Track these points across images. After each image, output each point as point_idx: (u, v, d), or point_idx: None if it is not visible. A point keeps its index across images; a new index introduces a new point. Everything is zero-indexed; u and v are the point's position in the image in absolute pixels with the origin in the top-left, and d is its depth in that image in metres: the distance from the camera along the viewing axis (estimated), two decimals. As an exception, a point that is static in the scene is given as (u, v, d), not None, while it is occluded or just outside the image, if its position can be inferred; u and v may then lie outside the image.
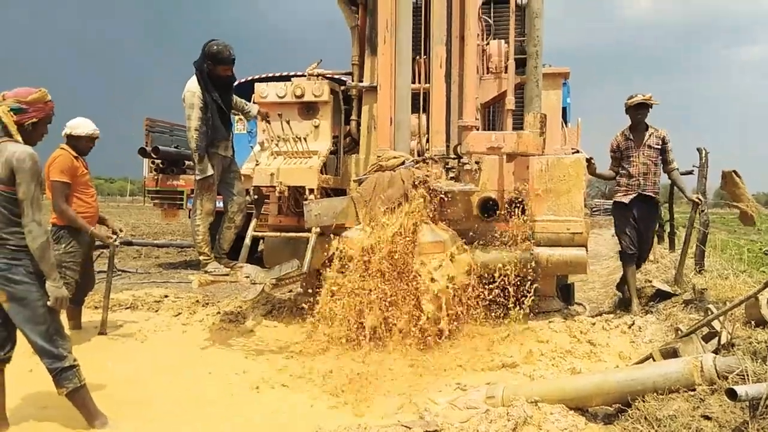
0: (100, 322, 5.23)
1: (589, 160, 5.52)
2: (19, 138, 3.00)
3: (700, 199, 5.91)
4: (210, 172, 4.73)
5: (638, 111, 5.68)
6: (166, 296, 6.65)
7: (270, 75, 8.94)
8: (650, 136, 5.68)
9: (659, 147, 5.67)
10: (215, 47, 4.62)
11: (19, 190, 2.92)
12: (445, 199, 4.96)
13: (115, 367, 4.34)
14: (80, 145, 4.88)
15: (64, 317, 4.69)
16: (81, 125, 4.87)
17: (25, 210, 2.94)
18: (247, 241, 5.21)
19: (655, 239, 6.23)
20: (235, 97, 5.09)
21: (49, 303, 3.03)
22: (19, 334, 3.16)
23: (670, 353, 3.37)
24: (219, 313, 5.81)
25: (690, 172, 6.42)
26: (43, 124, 3.16)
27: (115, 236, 5.07)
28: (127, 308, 6.18)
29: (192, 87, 4.68)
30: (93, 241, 5.13)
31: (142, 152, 9.78)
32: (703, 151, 6.10)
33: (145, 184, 10.55)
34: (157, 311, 6.06)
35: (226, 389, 3.91)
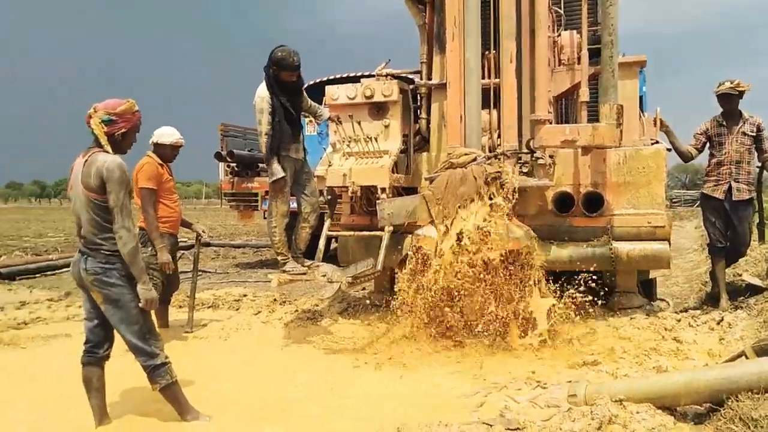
0: (186, 320, 5.48)
1: (662, 121, 5.38)
2: (109, 148, 3.16)
3: (791, 188, 5.58)
4: (281, 174, 4.85)
5: (727, 99, 5.43)
6: (245, 295, 6.89)
7: (339, 76, 9.09)
8: (744, 123, 5.41)
9: (754, 134, 5.40)
10: (280, 53, 4.72)
11: (109, 198, 3.07)
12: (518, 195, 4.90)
13: (201, 364, 4.54)
14: (165, 152, 5.14)
15: (152, 317, 4.97)
16: (166, 134, 5.13)
17: (115, 217, 3.08)
18: (322, 240, 5.32)
19: (755, 232, 5.87)
20: (308, 100, 5.21)
21: (140, 304, 3.19)
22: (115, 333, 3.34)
23: (765, 350, 3.20)
24: (297, 311, 5.97)
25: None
26: (131, 134, 3.31)
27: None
28: (209, 307, 6.45)
29: (261, 92, 4.82)
30: (177, 243, 5.40)
31: (218, 156, 10.15)
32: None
33: (221, 187, 10.94)
34: (237, 309, 6.29)
35: (305, 386, 4.00)
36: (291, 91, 4.88)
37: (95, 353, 3.33)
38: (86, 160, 3.13)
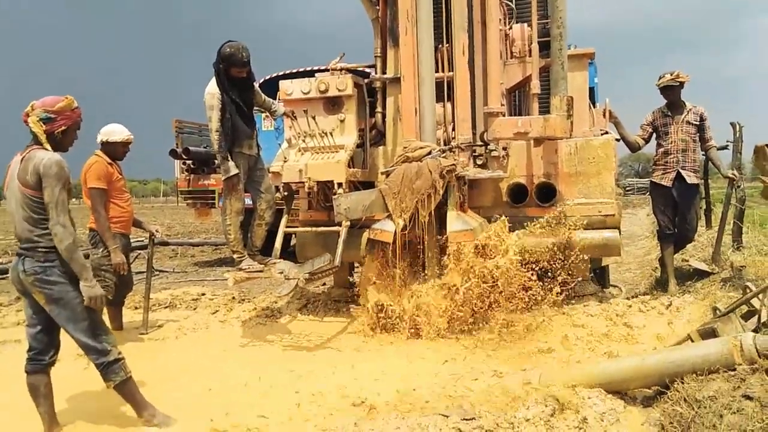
0: (141, 322, 5.38)
1: (610, 112, 5.52)
2: (48, 147, 3.08)
3: (735, 175, 5.79)
4: (234, 171, 4.79)
5: (669, 91, 5.62)
6: (203, 294, 6.79)
7: (294, 71, 9.01)
8: (688, 112, 5.61)
9: (697, 123, 5.59)
10: (228, 49, 4.65)
11: (44, 193, 3.00)
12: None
13: (157, 365, 4.46)
14: (116, 150, 5.02)
15: (105, 318, 4.85)
16: (115, 131, 4.99)
17: (50, 213, 3.00)
18: (279, 237, 5.28)
19: (702, 218, 6.06)
20: (262, 95, 5.15)
21: (85, 303, 3.10)
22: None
23: (709, 333, 3.32)
24: (255, 309, 5.91)
25: (725, 147, 6.28)
26: (72, 131, 3.23)
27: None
28: (166, 307, 6.33)
29: (211, 89, 4.75)
30: (129, 243, 5.27)
31: (173, 153, 9.97)
32: (737, 126, 5.96)
33: (177, 185, 10.75)
34: (195, 309, 6.20)
35: (263, 380, 3.98)
36: (242, 86, 4.81)
37: (40, 360, 3.23)
38: (23, 157, 3.06)
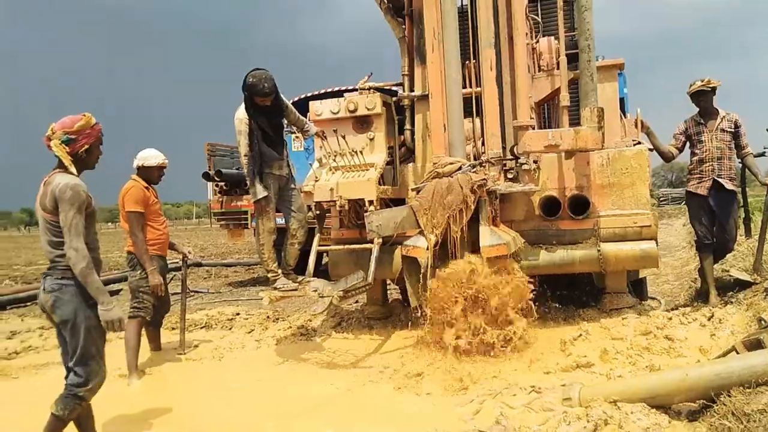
0: (178, 343, 5.45)
1: (642, 122, 5.44)
2: (74, 169, 3.12)
3: (773, 182, 5.65)
4: (261, 194, 4.87)
5: (701, 97, 5.53)
6: (238, 314, 6.86)
7: (323, 91, 9.13)
8: (722, 119, 5.51)
9: (732, 131, 5.49)
10: (251, 79, 4.70)
11: (60, 217, 3.04)
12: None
13: (196, 386, 4.52)
14: (151, 175, 5.14)
15: (145, 340, 4.93)
16: (151, 156, 5.12)
17: (65, 237, 3.03)
18: (312, 255, 5.32)
19: (741, 227, 5.92)
20: (295, 114, 5.21)
21: (91, 330, 3.10)
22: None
23: (755, 344, 3.23)
24: (290, 327, 5.95)
25: (762, 154, 6.14)
26: (95, 148, 3.26)
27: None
28: (202, 327, 6.42)
29: (239, 114, 4.86)
30: (166, 265, 5.37)
31: (206, 176, 10.16)
32: (774, 131, 5.83)
33: (210, 207, 10.93)
34: (230, 329, 6.27)
35: (299, 403, 3.99)
36: (269, 112, 4.88)
37: None
38: (45, 182, 3.12)
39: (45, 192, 3.08)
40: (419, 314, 4.63)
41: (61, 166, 3.13)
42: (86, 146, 3.18)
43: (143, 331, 5.04)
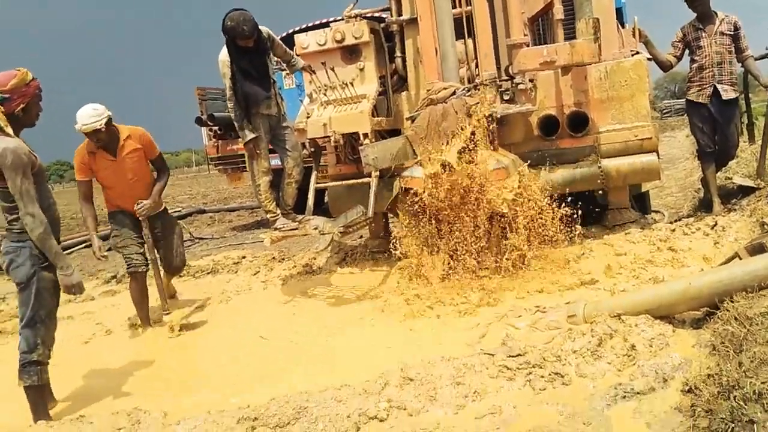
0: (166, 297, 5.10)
1: (640, 31, 5.25)
2: (10, 130, 2.98)
3: (775, 85, 5.50)
4: (250, 136, 4.78)
5: (697, 1, 5.31)
6: (244, 257, 6.91)
7: (309, 24, 8.83)
8: (721, 22, 5.30)
9: (731, 33, 5.29)
10: (229, 22, 4.49)
11: (8, 185, 2.94)
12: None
13: (206, 331, 4.60)
14: (90, 138, 4.56)
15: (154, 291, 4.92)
16: (78, 120, 4.45)
17: (18, 204, 2.95)
18: (310, 194, 5.27)
19: (744, 132, 5.80)
20: (283, 47, 5.01)
21: (60, 289, 3.09)
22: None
23: (758, 249, 3.21)
24: (295, 266, 5.99)
25: (765, 57, 5.96)
26: (33, 105, 3.11)
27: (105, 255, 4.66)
28: (209, 273, 6.47)
29: (222, 56, 4.71)
30: (161, 215, 5.02)
31: (198, 121, 9.99)
32: (778, 31, 5.63)
33: (206, 153, 10.81)
34: (236, 272, 6.31)
35: (308, 338, 4.05)
36: (253, 51, 4.69)
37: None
38: None
39: None
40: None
41: None
42: (22, 105, 3.03)
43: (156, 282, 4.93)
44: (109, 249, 5.08)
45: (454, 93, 4.76)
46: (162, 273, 5.07)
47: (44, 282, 3.08)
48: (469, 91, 4.80)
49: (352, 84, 5.15)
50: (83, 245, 9.87)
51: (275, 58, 5.12)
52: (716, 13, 5.34)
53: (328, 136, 5.03)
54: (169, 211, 5.53)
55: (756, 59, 5.63)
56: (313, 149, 5.39)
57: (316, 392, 2.93)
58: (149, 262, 4.83)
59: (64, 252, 3.48)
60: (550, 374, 2.80)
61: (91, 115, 4.40)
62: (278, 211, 5.06)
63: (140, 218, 4.72)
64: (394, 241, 4.88)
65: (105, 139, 4.53)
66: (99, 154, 4.63)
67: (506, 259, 4.44)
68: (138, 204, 4.68)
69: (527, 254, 4.46)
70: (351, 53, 5.29)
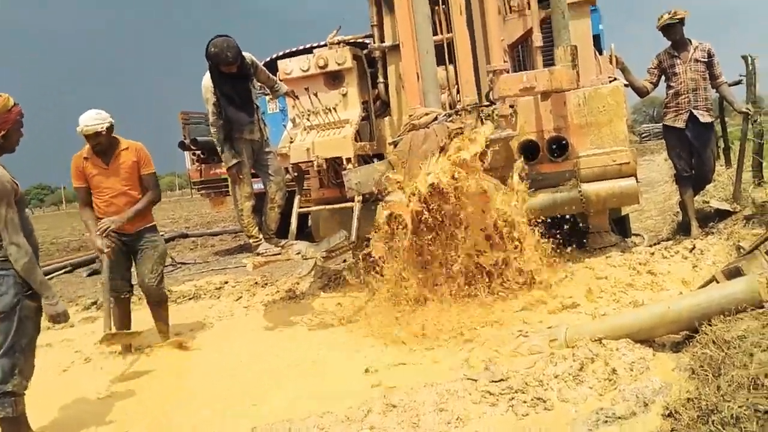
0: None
1: (617, 58, 5.36)
2: None
3: (749, 110, 5.64)
4: (232, 162, 4.79)
5: (670, 30, 5.47)
6: (226, 282, 6.84)
7: (292, 50, 8.89)
8: (695, 50, 5.45)
9: (705, 60, 5.43)
10: (212, 48, 4.49)
11: None
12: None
13: (188, 356, 4.53)
14: (89, 142, 4.57)
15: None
16: (80, 123, 4.47)
17: (2, 233, 2.89)
18: (293, 218, 5.27)
19: (721, 157, 5.93)
20: (266, 73, 5.03)
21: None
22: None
23: (734, 273, 3.26)
24: (278, 291, 5.94)
25: (738, 83, 6.12)
26: (14, 132, 3.05)
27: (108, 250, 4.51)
28: (191, 299, 6.39)
29: (205, 82, 4.72)
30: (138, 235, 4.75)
31: (182, 145, 9.96)
32: (749, 59, 5.79)
33: (189, 177, 10.76)
34: (218, 298, 6.25)
35: (290, 365, 4.01)
36: (236, 77, 4.70)
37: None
38: None
39: None
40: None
41: None
42: (2, 132, 2.97)
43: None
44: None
45: (436, 118, 4.81)
46: (146, 301, 4.99)
47: (27, 311, 3.02)
48: (450, 116, 4.85)
49: (335, 109, 5.19)
50: (63, 271, 9.74)
51: (258, 84, 5.15)
52: (690, 41, 5.49)
53: (312, 161, 5.06)
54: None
55: (729, 85, 5.78)
56: (296, 174, 5.40)
57: (298, 420, 2.90)
58: (132, 287, 4.79)
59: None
60: (532, 399, 2.81)
61: (94, 118, 4.47)
62: (261, 236, 5.04)
63: (102, 233, 4.47)
64: (376, 265, 4.88)
65: (104, 144, 4.55)
66: (92, 160, 4.62)
67: (489, 283, 4.45)
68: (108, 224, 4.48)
69: (510, 278, 4.48)
70: (334, 79, 5.34)
